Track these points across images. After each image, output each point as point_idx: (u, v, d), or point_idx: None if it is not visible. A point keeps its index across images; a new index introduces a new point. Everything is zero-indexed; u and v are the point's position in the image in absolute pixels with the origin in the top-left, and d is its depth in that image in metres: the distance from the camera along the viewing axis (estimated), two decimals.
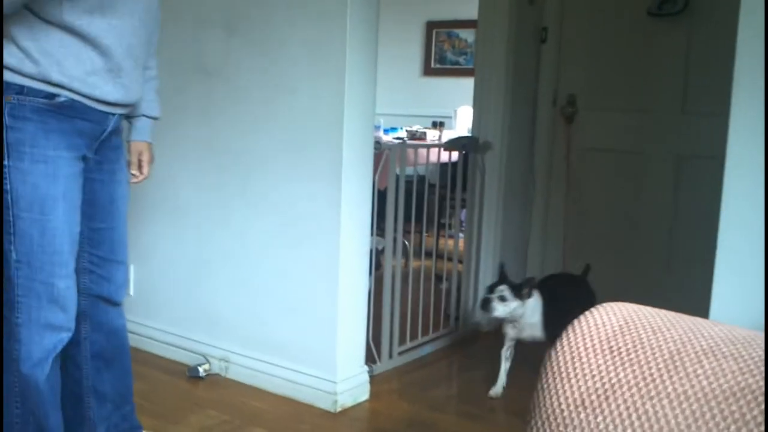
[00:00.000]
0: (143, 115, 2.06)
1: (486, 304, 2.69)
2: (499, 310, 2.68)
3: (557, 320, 2.65)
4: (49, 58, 1.65)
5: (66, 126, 1.71)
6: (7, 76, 1.64)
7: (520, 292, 2.69)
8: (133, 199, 3.19)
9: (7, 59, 1.64)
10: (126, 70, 1.78)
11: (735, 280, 1.76)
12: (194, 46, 2.89)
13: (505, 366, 2.83)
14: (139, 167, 2.12)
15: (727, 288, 1.77)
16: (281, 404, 2.66)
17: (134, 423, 2.20)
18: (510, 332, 2.81)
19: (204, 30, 2.85)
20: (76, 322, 1.87)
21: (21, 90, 1.64)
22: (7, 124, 1.63)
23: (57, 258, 1.75)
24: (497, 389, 2.80)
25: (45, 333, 1.78)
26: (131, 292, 3.25)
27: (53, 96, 1.67)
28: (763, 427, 0.74)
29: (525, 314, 2.72)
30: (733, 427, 0.75)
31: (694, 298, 1.98)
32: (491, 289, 2.72)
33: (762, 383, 0.77)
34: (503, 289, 2.67)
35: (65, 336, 1.82)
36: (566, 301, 2.76)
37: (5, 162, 1.64)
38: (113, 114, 1.83)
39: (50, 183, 1.69)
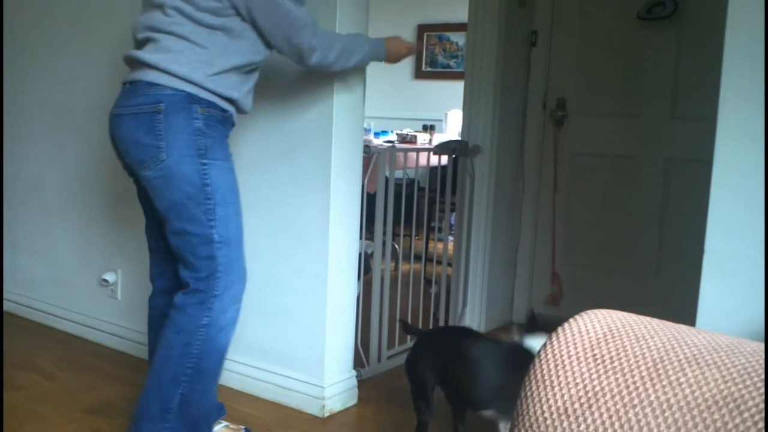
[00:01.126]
0: None
1: None
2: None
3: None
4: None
5: (226, 132, 2.14)
6: (199, 92, 1.99)
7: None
8: (120, 204, 3.19)
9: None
10: None
11: (722, 285, 1.76)
12: None
13: None
14: None
15: (714, 293, 1.77)
16: (269, 409, 2.65)
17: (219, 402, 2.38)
18: None
19: None
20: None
21: (211, 104, 2.01)
22: (204, 131, 1.99)
23: (242, 238, 2.12)
24: None
25: (233, 305, 2.10)
26: (118, 296, 3.23)
27: (226, 110, 2.08)
28: None
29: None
30: None
31: (683, 303, 1.98)
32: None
33: (744, 392, 0.76)
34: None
35: (240, 306, 2.13)
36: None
37: (204, 161, 1.99)
38: None
39: (231, 176, 2.08)
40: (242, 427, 2.40)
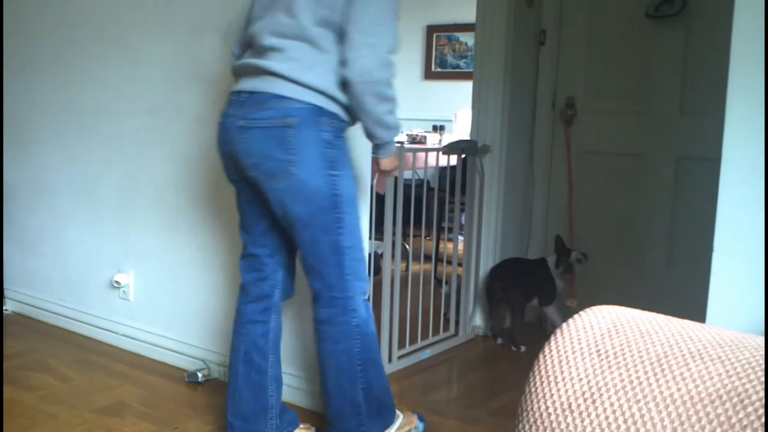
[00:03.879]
0: None
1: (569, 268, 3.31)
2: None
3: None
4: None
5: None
6: (326, 103, 2.00)
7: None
8: (130, 206, 3.21)
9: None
10: None
11: (731, 281, 1.75)
12: (190, 53, 2.90)
13: None
14: None
15: (724, 290, 1.77)
16: None
17: (292, 411, 2.43)
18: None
19: (199, 37, 2.85)
20: (267, 313, 2.28)
21: (336, 116, 2.03)
22: (332, 143, 2.02)
23: (363, 245, 2.19)
24: None
25: (362, 299, 2.17)
26: (130, 298, 3.25)
27: (347, 120, 2.09)
28: (749, 431, 0.73)
29: None
30: (718, 430, 0.75)
31: (694, 300, 1.97)
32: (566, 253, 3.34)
33: (749, 387, 0.76)
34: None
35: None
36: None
37: (335, 172, 2.03)
38: None
39: (355, 185, 2.13)
40: (313, 427, 2.45)
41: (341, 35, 1.95)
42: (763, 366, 0.79)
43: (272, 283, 2.26)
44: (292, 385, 2.68)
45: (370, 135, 2.09)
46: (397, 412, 2.33)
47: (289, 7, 1.97)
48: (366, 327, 2.17)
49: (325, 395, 2.22)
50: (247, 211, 2.23)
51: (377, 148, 2.14)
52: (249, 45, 2.11)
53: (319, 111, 1.98)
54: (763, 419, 0.73)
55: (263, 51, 2.02)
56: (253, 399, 2.26)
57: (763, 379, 0.77)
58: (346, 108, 2.04)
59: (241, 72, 2.11)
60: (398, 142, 4.81)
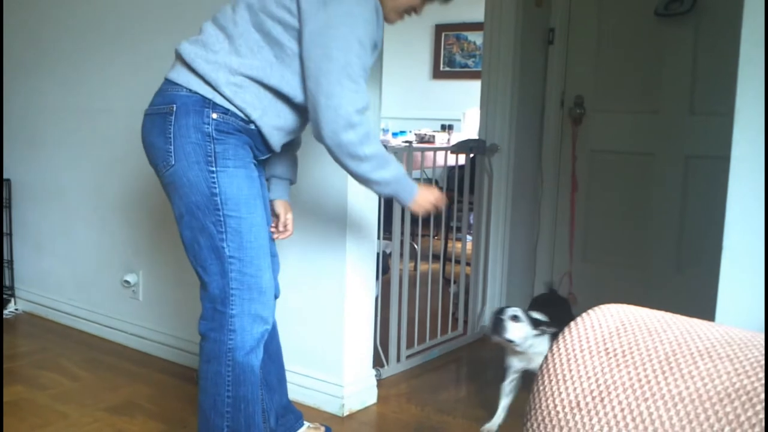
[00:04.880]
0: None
1: (496, 326, 2.43)
2: (512, 331, 2.40)
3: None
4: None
5: (247, 141, 1.94)
6: (214, 96, 1.85)
7: (536, 324, 2.44)
8: (140, 205, 3.22)
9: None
10: None
11: (740, 281, 1.75)
12: None
13: (505, 401, 2.56)
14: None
15: (733, 289, 1.76)
16: None
17: (297, 412, 2.35)
18: (515, 364, 2.53)
19: None
20: None
21: (226, 111, 1.86)
22: (214, 137, 1.85)
23: (262, 252, 1.92)
24: (492, 425, 2.53)
25: (255, 323, 1.92)
26: (140, 297, 3.27)
27: (247, 121, 1.89)
28: (757, 429, 0.73)
29: (533, 345, 2.45)
30: (727, 429, 0.75)
31: (704, 299, 1.97)
32: (502, 310, 2.48)
33: (757, 384, 0.76)
34: (516, 310, 2.44)
35: (268, 326, 1.98)
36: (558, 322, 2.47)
37: (214, 168, 1.84)
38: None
39: (246, 183, 1.89)
40: (323, 425, 2.42)
41: (288, 55, 1.86)
42: None
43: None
44: (296, 383, 2.69)
45: (375, 192, 2.03)
46: None
47: (237, 4, 1.90)
48: (245, 356, 1.92)
49: (197, 423, 2.01)
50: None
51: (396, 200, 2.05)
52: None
53: (204, 102, 1.84)
54: None
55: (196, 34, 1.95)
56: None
57: None
58: (248, 117, 1.89)
59: None
60: (407, 142, 4.83)
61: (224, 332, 1.90)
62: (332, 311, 2.61)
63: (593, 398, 0.84)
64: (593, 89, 3.65)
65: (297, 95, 1.89)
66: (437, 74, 6.83)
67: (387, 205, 2.95)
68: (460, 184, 3.41)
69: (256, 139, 1.93)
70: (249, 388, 1.95)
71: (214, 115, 1.84)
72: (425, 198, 2.04)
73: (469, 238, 3.68)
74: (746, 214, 1.75)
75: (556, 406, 0.86)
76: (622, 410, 0.81)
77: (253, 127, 1.90)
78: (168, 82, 1.91)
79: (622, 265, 3.62)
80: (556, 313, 2.63)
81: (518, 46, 3.48)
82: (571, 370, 0.88)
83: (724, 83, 2.46)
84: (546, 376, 0.90)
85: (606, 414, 0.82)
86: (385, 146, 2.84)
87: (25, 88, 3.70)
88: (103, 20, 3.30)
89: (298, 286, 2.69)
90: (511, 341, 2.41)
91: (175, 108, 1.84)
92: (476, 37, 6.48)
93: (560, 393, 0.87)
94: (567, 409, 0.85)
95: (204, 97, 1.84)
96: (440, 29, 6.72)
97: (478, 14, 3.84)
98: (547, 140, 3.76)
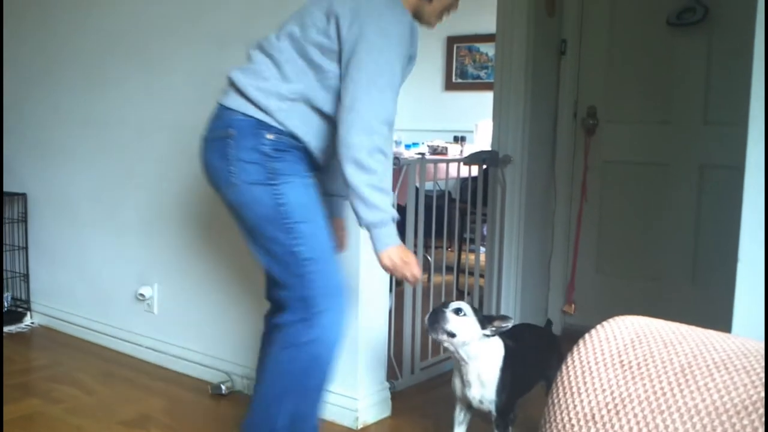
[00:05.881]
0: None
1: (434, 316, 2.08)
2: (454, 323, 2.05)
3: (517, 384, 2.16)
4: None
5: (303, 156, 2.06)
6: (268, 119, 1.98)
7: (487, 322, 2.09)
8: (154, 218, 3.23)
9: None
10: None
11: (757, 291, 1.73)
12: (215, 66, 2.92)
13: None
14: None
15: (749, 300, 1.75)
16: None
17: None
18: (456, 387, 2.19)
19: (224, 50, 2.88)
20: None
21: (280, 131, 1.99)
22: (271, 155, 1.98)
23: (332, 251, 2.08)
24: None
25: (333, 318, 2.05)
26: (155, 311, 3.28)
27: (299, 140, 2.02)
28: None
29: (479, 357, 2.10)
30: None
31: (720, 310, 1.95)
32: (445, 303, 2.13)
33: None
34: (461, 304, 2.09)
35: (346, 320, 2.09)
36: (530, 361, 2.25)
37: (276, 182, 1.98)
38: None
39: (309, 191, 2.04)
40: None
41: (331, 78, 1.97)
42: None
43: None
44: None
45: (355, 213, 1.96)
46: None
47: (282, 27, 2.03)
48: (321, 349, 2.04)
49: (250, 406, 2.11)
50: None
51: (369, 233, 1.97)
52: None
53: (259, 124, 1.98)
54: None
55: (245, 61, 2.08)
56: None
57: None
58: (296, 138, 2.00)
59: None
60: (419, 154, 4.83)
61: (305, 326, 2.02)
62: (346, 324, 2.60)
63: (608, 411, 0.83)
64: (606, 100, 3.64)
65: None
66: (449, 86, 6.84)
67: (400, 216, 2.94)
68: (473, 196, 3.40)
69: (307, 156, 2.05)
70: (317, 381, 2.07)
71: (270, 136, 1.98)
72: (400, 256, 1.97)
73: (482, 249, 3.67)
74: (761, 224, 1.74)
75: (570, 419, 0.86)
76: (638, 423, 0.81)
77: (303, 145, 2.02)
78: (223, 108, 2.04)
79: (636, 276, 3.60)
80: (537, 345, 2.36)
81: (530, 57, 3.48)
82: (585, 383, 0.87)
83: (738, 92, 2.45)
84: (561, 388, 0.89)
85: (621, 427, 0.81)
86: (398, 158, 2.86)
87: (41, 103, 3.74)
88: (118, 35, 3.33)
89: None
90: (453, 335, 2.04)
91: (233, 131, 1.99)
92: (488, 49, 6.49)
93: (575, 406, 0.86)
94: (582, 422, 0.85)
95: (259, 120, 1.98)
96: (452, 41, 6.73)
97: (490, 26, 3.84)
98: (560, 151, 3.75)
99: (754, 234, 1.75)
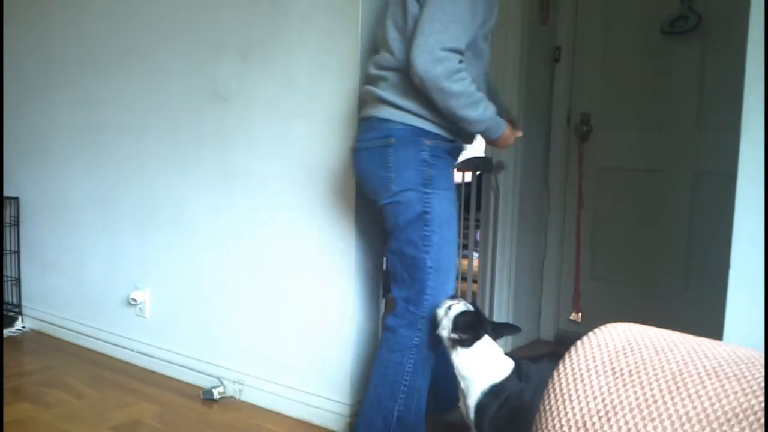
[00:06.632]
0: None
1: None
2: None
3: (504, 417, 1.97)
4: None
5: (453, 161, 2.30)
6: (426, 125, 2.13)
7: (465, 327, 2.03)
8: (148, 224, 3.23)
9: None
10: None
11: (748, 299, 1.74)
12: (210, 72, 2.92)
13: None
14: None
15: (741, 307, 1.75)
16: (295, 427, 2.65)
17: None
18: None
19: (219, 56, 2.88)
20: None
21: (437, 136, 2.15)
22: (430, 162, 2.14)
23: (453, 264, 2.24)
24: None
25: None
26: (147, 315, 3.27)
27: (453, 140, 2.20)
28: None
29: (462, 368, 2.03)
30: None
31: (713, 317, 1.95)
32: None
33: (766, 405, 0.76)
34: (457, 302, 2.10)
35: None
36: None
37: (429, 190, 2.14)
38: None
39: (451, 205, 2.21)
40: None
41: None
42: None
43: None
44: (302, 401, 2.68)
45: (465, 128, 2.15)
46: None
47: (387, 44, 2.16)
48: (427, 351, 2.21)
49: (363, 403, 2.29)
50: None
51: (482, 136, 2.22)
52: (366, 75, 2.29)
53: (418, 131, 2.12)
54: None
55: (373, 80, 2.22)
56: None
57: None
58: (452, 125, 2.13)
59: (362, 99, 2.34)
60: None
61: (413, 330, 2.19)
62: (339, 329, 2.61)
63: (599, 418, 0.83)
64: (600, 106, 3.65)
65: None
66: None
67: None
68: (467, 202, 3.41)
69: (457, 152, 2.26)
70: (425, 380, 2.23)
71: (429, 142, 2.13)
72: (506, 136, 2.24)
73: (475, 255, 3.67)
74: (754, 231, 1.74)
75: (562, 426, 0.86)
76: (629, 430, 0.81)
77: (458, 141, 2.21)
78: (376, 119, 2.18)
79: (629, 283, 3.60)
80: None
81: (524, 64, 3.49)
82: (577, 390, 0.87)
83: (731, 99, 2.46)
84: (552, 395, 0.89)
85: None
86: None
87: (35, 107, 3.73)
88: (113, 40, 3.33)
89: (304, 303, 2.69)
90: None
91: (393, 140, 2.13)
92: None
93: (566, 413, 0.86)
94: (573, 430, 0.84)
95: (418, 128, 2.12)
96: None
97: None
98: (554, 158, 3.76)
99: (746, 241, 1.75)
